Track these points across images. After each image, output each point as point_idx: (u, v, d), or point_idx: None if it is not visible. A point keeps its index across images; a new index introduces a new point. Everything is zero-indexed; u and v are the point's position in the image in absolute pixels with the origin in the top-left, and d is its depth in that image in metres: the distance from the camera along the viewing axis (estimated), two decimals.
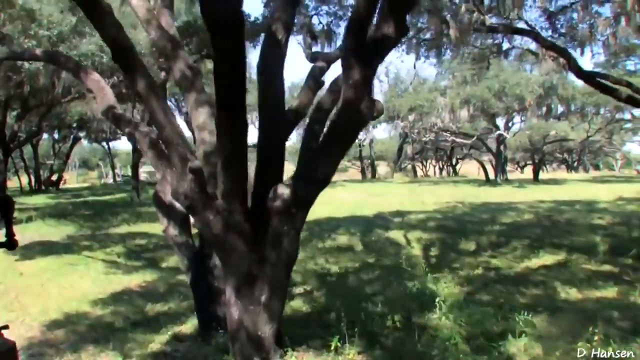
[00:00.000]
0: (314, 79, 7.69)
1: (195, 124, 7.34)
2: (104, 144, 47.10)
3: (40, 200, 30.70)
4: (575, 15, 15.67)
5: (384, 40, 5.46)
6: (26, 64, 16.42)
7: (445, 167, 63.63)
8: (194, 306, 8.25)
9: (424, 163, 65.83)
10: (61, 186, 39.60)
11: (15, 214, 23.39)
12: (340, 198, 29.44)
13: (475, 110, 33.78)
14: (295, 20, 15.31)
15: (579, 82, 34.28)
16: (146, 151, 7.16)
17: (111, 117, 7.86)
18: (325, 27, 14.36)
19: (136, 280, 11.61)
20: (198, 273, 7.33)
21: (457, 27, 14.07)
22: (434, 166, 66.49)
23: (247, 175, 5.75)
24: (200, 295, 7.34)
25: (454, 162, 58.62)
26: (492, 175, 41.12)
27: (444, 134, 40.79)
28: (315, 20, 15.19)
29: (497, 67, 32.37)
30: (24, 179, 39.71)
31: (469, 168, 63.86)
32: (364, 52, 5.36)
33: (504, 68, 32.76)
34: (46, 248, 15.32)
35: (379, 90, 43.46)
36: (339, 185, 38.59)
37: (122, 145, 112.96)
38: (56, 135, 38.95)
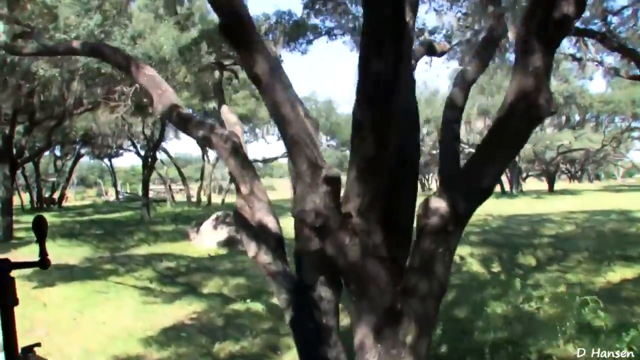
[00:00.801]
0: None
1: None
2: (106, 160, 45.42)
3: None
4: (614, 19, 14.51)
5: (563, 22, 4.09)
6: (41, 70, 14.88)
7: None
8: (275, 346, 6.71)
9: (426, 177, 64.42)
10: (63, 204, 37.80)
11: (22, 234, 21.76)
12: None
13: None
14: (343, 22, 14.15)
15: (595, 90, 33.22)
16: (226, 159, 5.69)
17: (176, 118, 6.34)
18: None
19: (183, 310, 9.99)
20: (301, 308, 5.76)
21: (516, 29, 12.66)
22: (437, 180, 64.74)
23: (386, 187, 4.30)
24: (305, 335, 5.75)
25: None
26: (506, 187, 39.82)
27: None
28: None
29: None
30: (25, 197, 37.73)
31: None
32: (547, 34, 3.99)
33: None
34: (65, 273, 13.62)
35: None
36: None
37: (121, 162, 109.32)
38: (57, 152, 37.13)
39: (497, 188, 42.87)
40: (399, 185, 4.72)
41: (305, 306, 5.75)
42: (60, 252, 16.71)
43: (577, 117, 35.80)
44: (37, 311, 9.98)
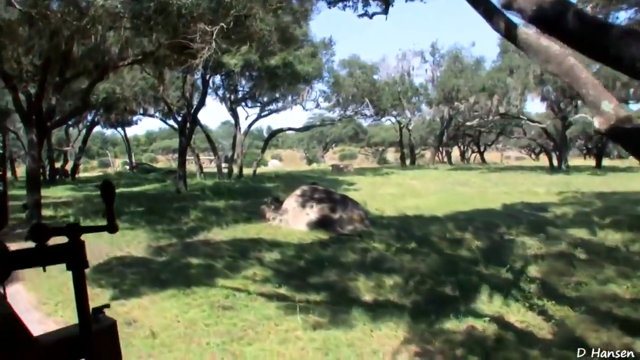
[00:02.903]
0: None
1: None
2: (119, 129, 40.56)
3: (62, 192, 24.41)
4: None
5: None
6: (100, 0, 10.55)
7: (469, 153, 58.45)
8: None
9: (440, 149, 60.79)
10: (76, 176, 33.18)
11: (50, 212, 17.39)
12: (422, 188, 23.97)
13: (556, 91, 28.70)
14: None
15: None
16: None
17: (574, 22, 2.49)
18: None
19: (383, 337, 6.08)
20: None
21: None
22: (448, 152, 60.57)
23: None
24: None
25: (481, 148, 53.65)
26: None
27: (499, 117, 35.44)
28: None
29: None
30: None
31: (492, 156, 58.59)
32: None
33: None
34: (144, 272, 9.49)
35: (424, 70, 38.10)
36: (387, 174, 33.17)
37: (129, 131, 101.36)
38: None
39: (546, 163, 39.07)
40: None
41: None
42: (112, 238, 12.51)
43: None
44: (150, 351, 5.87)
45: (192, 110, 22.45)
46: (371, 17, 10.58)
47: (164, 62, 14.92)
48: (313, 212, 13.69)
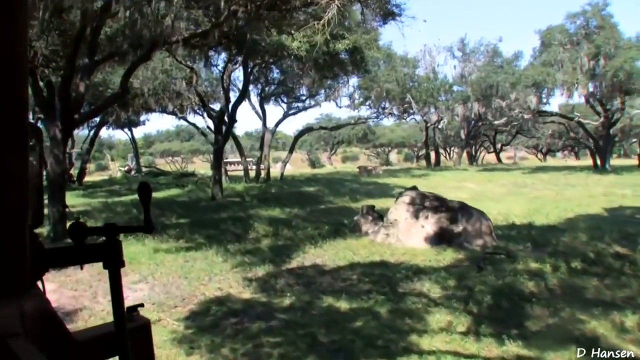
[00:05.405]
0: None
1: None
2: (126, 130, 36.59)
3: (74, 199, 20.60)
4: None
5: None
6: None
7: (479, 153, 55.49)
8: None
9: (448, 150, 58.07)
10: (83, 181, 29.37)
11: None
12: (487, 191, 20.99)
13: (610, 87, 25.99)
14: None
15: None
16: None
17: None
18: None
19: None
20: None
21: None
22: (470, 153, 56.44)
23: None
24: None
25: (497, 147, 50.91)
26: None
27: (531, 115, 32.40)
28: None
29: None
30: None
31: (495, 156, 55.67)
32: None
33: None
34: (278, 328, 6.12)
35: (449, 67, 35.01)
36: (424, 176, 30.14)
37: (121, 135, 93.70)
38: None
39: (589, 162, 36.10)
40: None
41: None
42: (182, 268, 9.14)
43: None
44: None
45: (232, 105, 19.02)
46: None
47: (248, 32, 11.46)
48: (429, 224, 10.48)
